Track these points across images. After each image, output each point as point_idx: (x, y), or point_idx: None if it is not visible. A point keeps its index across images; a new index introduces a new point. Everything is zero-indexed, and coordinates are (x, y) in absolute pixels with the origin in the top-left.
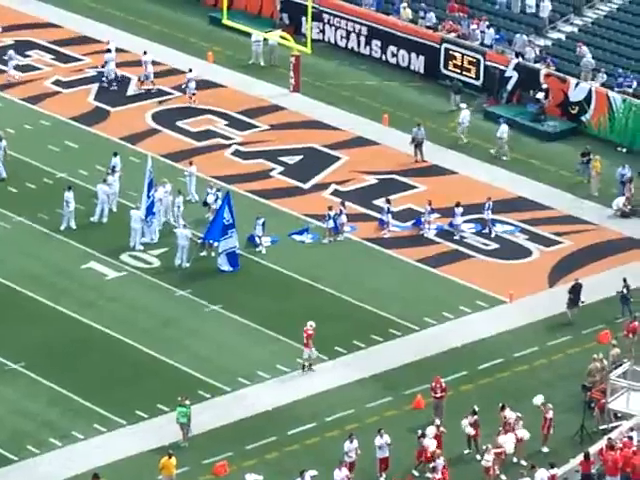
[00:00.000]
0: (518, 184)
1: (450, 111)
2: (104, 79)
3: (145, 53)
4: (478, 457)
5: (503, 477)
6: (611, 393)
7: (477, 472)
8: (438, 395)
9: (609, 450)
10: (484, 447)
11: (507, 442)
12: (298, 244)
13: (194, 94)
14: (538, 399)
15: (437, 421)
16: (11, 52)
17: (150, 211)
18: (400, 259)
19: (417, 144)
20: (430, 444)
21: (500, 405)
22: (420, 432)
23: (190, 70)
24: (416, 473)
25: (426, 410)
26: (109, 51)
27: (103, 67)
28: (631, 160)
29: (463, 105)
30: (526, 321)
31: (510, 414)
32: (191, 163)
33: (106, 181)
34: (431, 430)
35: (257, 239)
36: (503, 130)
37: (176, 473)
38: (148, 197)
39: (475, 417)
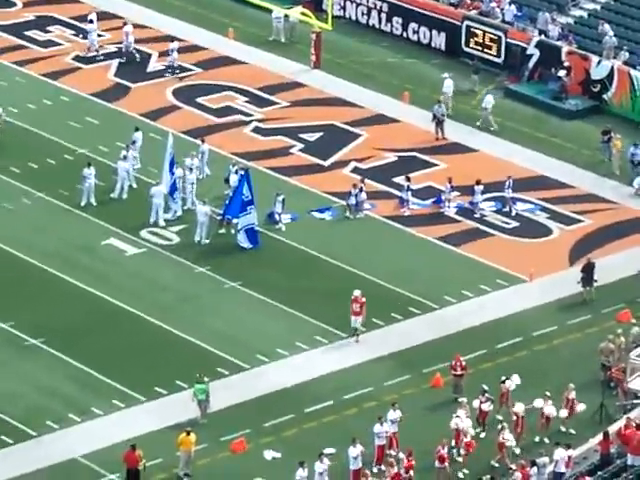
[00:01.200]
0: (539, 162)
1: (470, 90)
2: (95, 52)
3: (125, 24)
4: (483, 434)
5: (517, 450)
6: (631, 372)
7: (490, 451)
8: (458, 373)
9: (636, 429)
10: (499, 426)
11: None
12: (318, 221)
13: (177, 70)
14: (538, 402)
15: (463, 399)
16: None
17: (174, 187)
18: (420, 237)
19: (438, 121)
20: (466, 425)
21: (503, 378)
22: (454, 416)
23: (172, 40)
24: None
25: (445, 388)
26: (91, 22)
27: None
28: None
29: (446, 74)
30: (546, 300)
31: (510, 385)
32: (203, 141)
33: (126, 157)
34: (462, 412)
35: (277, 216)
36: (488, 100)
37: (195, 449)
38: (172, 173)
39: (487, 395)
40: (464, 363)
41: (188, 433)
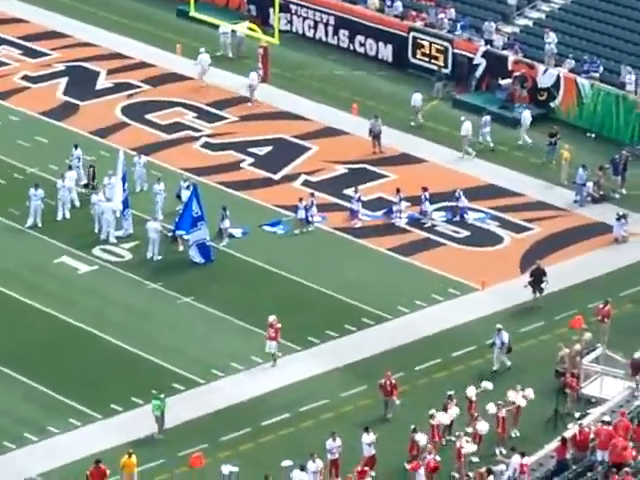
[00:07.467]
0: (488, 171)
1: (431, 98)
2: None
3: None
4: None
5: (475, 459)
6: (584, 378)
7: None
8: (389, 390)
9: (603, 425)
10: (457, 433)
11: (484, 428)
12: (269, 235)
13: None
14: (471, 390)
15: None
16: None
17: (126, 204)
18: (371, 248)
19: (374, 135)
20: (421, 439)
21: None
22: (412, 427)
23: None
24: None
25: (401, 399)
26: None
27: None
28: (600, 145)
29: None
30: (498, 308)
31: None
32: (140, 155)
33: (63, 176)
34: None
35: (222, 232)
36: (252, 78)
37: (152, 465)
38: (124, 190)
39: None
40: (394, 381)
41: (130, 455)
